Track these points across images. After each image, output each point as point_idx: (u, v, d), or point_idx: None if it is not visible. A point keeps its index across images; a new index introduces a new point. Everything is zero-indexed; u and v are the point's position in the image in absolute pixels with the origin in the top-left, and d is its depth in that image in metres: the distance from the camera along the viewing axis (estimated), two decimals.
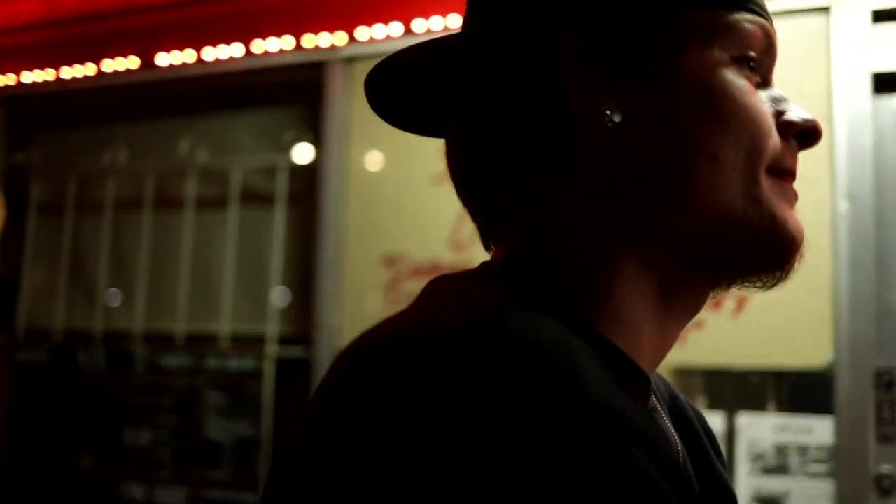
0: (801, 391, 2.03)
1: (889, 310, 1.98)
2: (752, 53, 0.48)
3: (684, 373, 2.11)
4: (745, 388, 2.06)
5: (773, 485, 1.98)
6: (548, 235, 0.45)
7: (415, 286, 2.20)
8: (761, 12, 0.49)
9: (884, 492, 1.92)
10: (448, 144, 0.48)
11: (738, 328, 2.04)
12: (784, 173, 0.49)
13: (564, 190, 0.45)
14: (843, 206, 1.97)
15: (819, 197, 2.01)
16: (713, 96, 0.45)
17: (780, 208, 0.47)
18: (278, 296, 2.54)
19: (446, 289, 0.43)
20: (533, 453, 0.28)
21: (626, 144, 0.44)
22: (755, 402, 2.05)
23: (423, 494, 0.28)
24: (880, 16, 1.99)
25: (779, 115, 0.49)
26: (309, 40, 2.43)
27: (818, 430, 1.97)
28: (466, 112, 0.45)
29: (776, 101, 0.50)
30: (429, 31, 2.29)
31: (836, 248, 1.98)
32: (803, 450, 1.97)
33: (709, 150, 0.44)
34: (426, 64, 0.46)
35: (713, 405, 2.08)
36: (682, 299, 0.48)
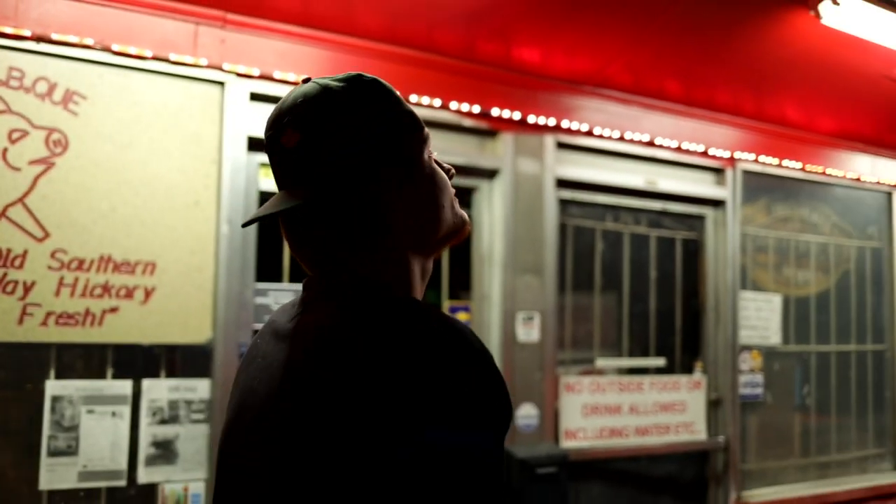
0: (188, 360, 3.00)
1: (245, 303, 3.14)
2: (431, 148, 1.13)
3: (99, 348, 2.85)
4: (148, 360, 2.92)
5: (167, 431, 2.91)
6: (381, 263, 1.07)
7: None
8: (425, 126, 1.12)
9: None
10: (296, 229, 1.08)
11: (145, 313, 2.92)
12: (456, 194, 1.16)
13: (387, 242, 1.07)
14: (225, 227, 3.05)
15: (208, 218, 3.05)
16: (434, 181, 1.10)
17: (462, 212, 1.15)
18: None
19: (364, 291, 1.04)
20: (486, 400, 0.92)
21: (411, 213, 1.07)
22: (155, 370, 2.93)
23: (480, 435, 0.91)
24: (255, 97, 3.17)
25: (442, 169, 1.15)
26: None
27: (200, 388, 2.98)
28: (321, 220, 1.06)
29: (437, 161, 1.14)
30: None
31: (217, 257, 3.05)
32: (189, 403, 2.95)
33: (440, 207, 1.10)
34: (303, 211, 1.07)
35: (121, 375, 2.88)
36: (427, 272, 1.15)
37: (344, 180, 1.03)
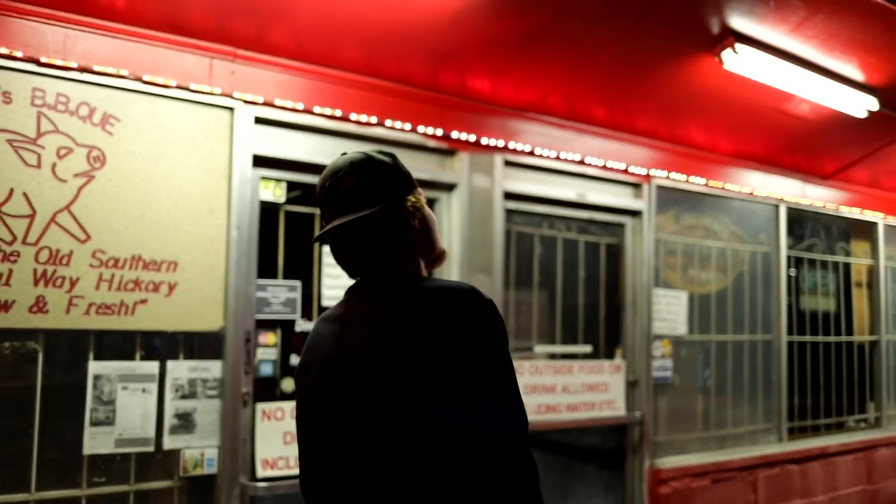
0: (204, 345, 3.52)
1: (249, 297, 3.67)
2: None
3: (131, 334, 3.35)
4: (171, 344, 3.43)
5: (187, 405, 3.43)
6: (407, 264, 1.67)
7: None
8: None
9: (245, 403, 3.59)
10: (342, 243, 1.71)
11: (169, 305, 3.43)
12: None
13: (408, 252, 1.68)
14: (234, 232, 3.58)
15: (220, 224, 3.58)
16: (432, 218, 1.73)
17: (443, 244, 1.79)
18: None
19: (410, 270, 1.68)
20: (498, 320, 1.61)
21: (420, 235, 1.68)
22: (177, 353, 3.45)
23: (498, 335, 1.52)
24: (259, 120, 3.72)
25: None
26: None
27: (214, 368, 3.51)
28: (368, 234, 1.68)
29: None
30: None
31: (228, 258, 3.58)
32: (205, 381, 3.48)
33: (434, 233, 1.73)
34: (354, 226, 1.67)
35: (149, 357, 3.39)
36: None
37: (382, 208, 1.63)
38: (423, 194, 1.75)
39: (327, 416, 1.62)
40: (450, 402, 1.47)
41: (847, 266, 7.15)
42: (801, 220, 6.66)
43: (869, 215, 7.14)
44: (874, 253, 7.28)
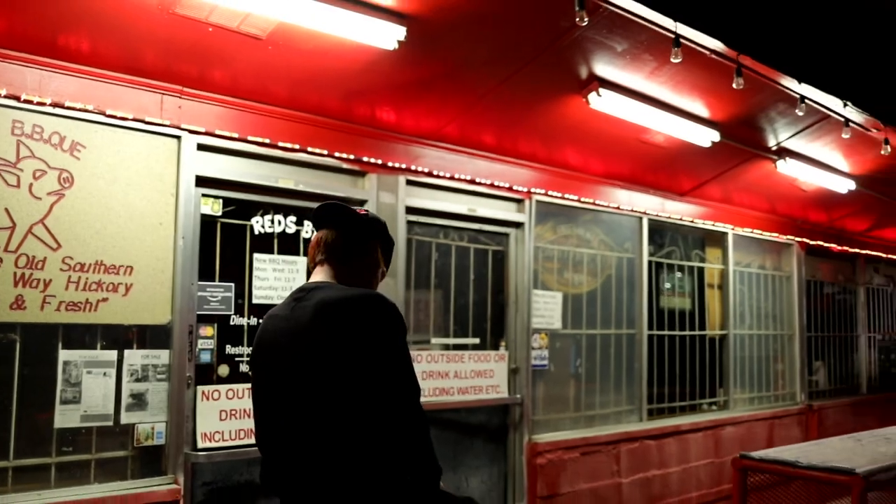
0: (155, 336, 4.20)
1: (192, 295, 4.37)
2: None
3: (94, 327, 4.00)
4: (127, 336, 4.10)
5: (140, 387, 4.12)
6: (346, 277, 2.45)
7: None
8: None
9: (188, 385, 4.29)
10: (327, 243, 2.49)
11: (126, 303, 4.11)
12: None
13: (363, 270, 2.47)
14: (180, 241, 4.28)
15: (168, 235, 4.27)
16: (380, 260, 2.53)
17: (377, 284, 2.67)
18: None
19: (343, 284, 2.43)
20: (397, 316, 2.33)
21: (368, 264, 2.47)
22: (132, 343, 4.12)
23: (397, 328, 2.33)
24: (201, 147, 4.42)
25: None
26: None
27: (162, 356, 4.20)
28: (348, 244, 2.49)
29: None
30: None
31: (174, 263, 4.28)
32: (155, 367, 4.16)
33: (380, 268, 2.53)
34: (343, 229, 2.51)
35: (109, 346, 4.04)
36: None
37: (368, 230, 2.48)
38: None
39: (275, 390, 2.35)
40: (368, 374, 2.19)
41: (701, 270, 8.30)
42: (661, 231, 7.75)
43: (720, 226, 8.30)
44: (725, 259, 8.46)
